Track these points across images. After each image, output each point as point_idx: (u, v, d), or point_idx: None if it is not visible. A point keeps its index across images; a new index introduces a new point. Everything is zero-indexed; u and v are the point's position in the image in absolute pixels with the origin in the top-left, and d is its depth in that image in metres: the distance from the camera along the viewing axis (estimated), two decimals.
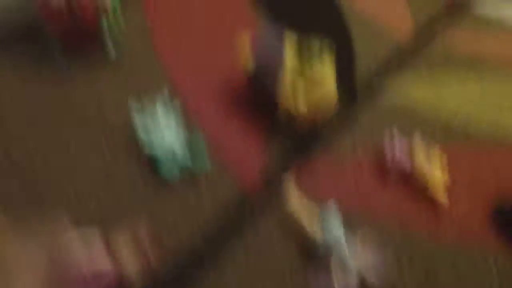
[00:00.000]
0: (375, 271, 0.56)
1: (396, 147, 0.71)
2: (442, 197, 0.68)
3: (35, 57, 0.75)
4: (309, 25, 0.95)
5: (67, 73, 0.73)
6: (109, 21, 0.73)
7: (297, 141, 0.72)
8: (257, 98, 0.75)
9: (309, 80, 0.67)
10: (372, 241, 0.60)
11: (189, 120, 0.70)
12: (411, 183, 0.70)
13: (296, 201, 0.62)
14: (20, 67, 0.73)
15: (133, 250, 0.51)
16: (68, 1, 0.65)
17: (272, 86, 0.68)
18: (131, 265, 0.50)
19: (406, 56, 0.95)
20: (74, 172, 0.60)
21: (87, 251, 0.49)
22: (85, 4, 0.66)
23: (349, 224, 0.62)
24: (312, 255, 0.58)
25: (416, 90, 0.87)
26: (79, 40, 0.72)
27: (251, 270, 0.57)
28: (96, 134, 0.65)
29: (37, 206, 0.56)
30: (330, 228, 0.58)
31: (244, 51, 0.72)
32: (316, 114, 0.69)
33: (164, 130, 0.62)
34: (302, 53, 0.68)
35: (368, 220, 0.65)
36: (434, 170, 0.69)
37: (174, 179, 0.62)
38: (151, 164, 0.63)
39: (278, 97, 0.68)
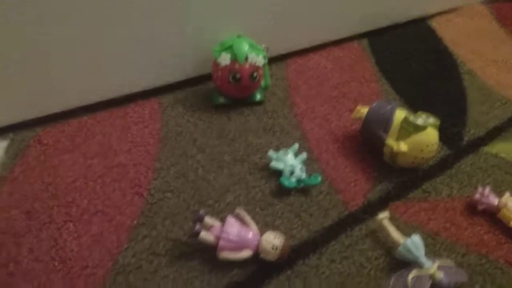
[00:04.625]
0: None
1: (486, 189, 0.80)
2: None
3: (202, 95, 1.02)
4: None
5: (223, 110, 0.97)
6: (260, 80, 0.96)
7: (398, 181, 0.84)
8: (368, 143, 0.90)
9: (413, 135, 0.80)
10: (450, 264, 0.68)
11: (312, 159, 0.87)
12: (496, 217, 0.77)
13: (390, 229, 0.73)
14: (190, 101, 1.00)
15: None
16: (232, 68, 0.90)
17: (382, 133, 0.83)
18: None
19: None
20: (227, 187, 0.81)
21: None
22: (245, 73, 0.90)
23: (432, 249, 0.72)
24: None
25: None
26: (235, 93, 0.95)
27: (341, 269, 0.70)
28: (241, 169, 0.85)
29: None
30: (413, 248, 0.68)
31: (362, 106, 0.90)
32: (416, 156, 0.81)
33: (290, 160, 0.82)
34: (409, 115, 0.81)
35: (450, 247, 0.73)
36: None
37: (290, 186, 0.79)
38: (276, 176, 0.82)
39: (385, 141, 0.82)
